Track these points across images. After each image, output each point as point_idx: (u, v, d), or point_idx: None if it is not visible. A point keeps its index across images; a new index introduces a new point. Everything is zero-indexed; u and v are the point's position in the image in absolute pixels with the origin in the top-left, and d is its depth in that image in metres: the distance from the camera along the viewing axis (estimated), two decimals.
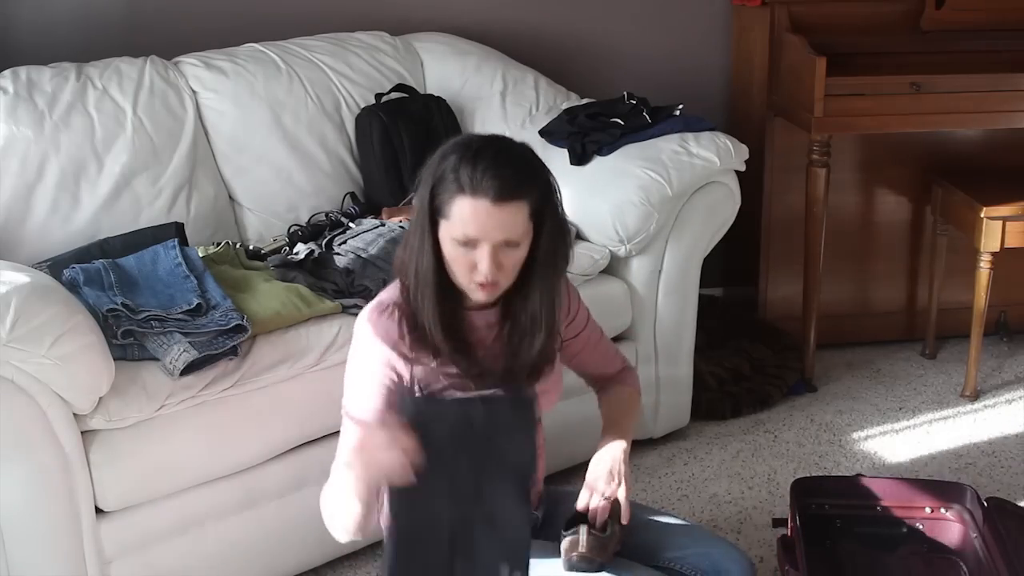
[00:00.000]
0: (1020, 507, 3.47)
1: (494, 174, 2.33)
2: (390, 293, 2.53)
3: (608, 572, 2.47)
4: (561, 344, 2.67)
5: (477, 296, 2.45)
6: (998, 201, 4.21)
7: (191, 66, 3.93)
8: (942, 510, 3.17)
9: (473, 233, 2.35)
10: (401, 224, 3.61)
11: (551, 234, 2.46)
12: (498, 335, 2.55)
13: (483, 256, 2.37)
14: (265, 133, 3.91)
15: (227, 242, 3.56)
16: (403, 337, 2.48)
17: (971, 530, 3.11)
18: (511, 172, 2.36)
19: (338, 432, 3.22)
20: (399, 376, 2.48)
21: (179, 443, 2.97)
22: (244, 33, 4.17)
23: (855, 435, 4.16)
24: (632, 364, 2.91)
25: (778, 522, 3.29)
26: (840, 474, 3.85)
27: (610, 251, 3.76)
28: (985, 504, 3.18)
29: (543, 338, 2.53)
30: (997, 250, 4.23)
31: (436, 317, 2.45)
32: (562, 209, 2.51)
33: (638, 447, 3.92)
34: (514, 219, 2.36)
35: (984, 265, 4.27)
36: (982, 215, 4.19)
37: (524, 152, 2.44)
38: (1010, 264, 4.45)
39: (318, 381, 3.15)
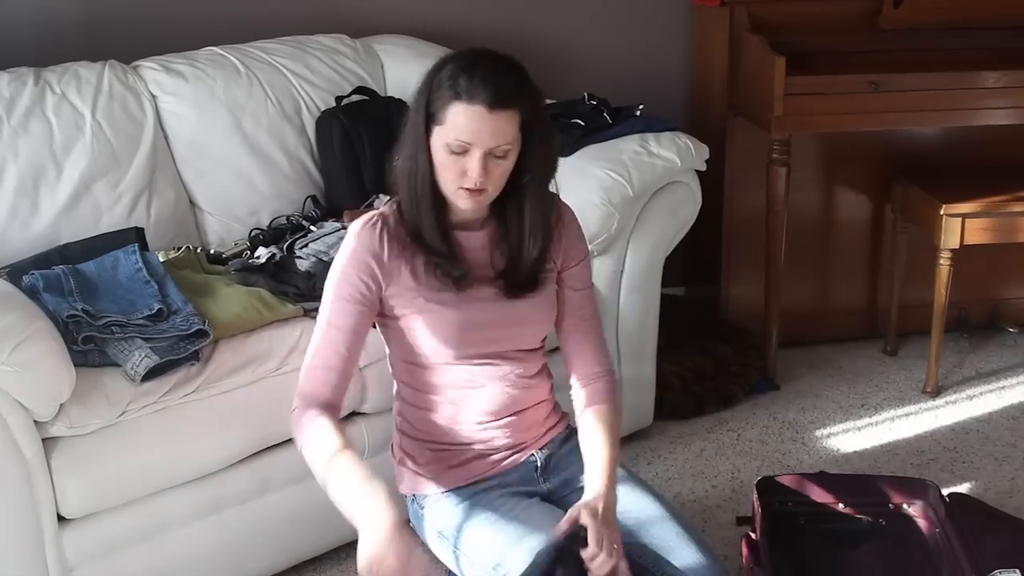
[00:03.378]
0: (982, 502, 3.49)
1: (491, 81, 2.41)
2: (377, 213, 2.59)
3: None
4: (556, 271, 2.70)
5: (462, 204, 2.51)
6: (957, 198, 4.24)
7: (150, 70, 3.90)
8: (905, 506, 3.19)
9: (466, 138, 2.42)
10: None
11: (540, 145, 2.54)
12: (492, 253, 2.62)
13: (473, 162, 2.44)
14: (225, 137, 3.89)
15: (188, 246, 3.55)
16: (382, 249, 2.54)
17: (934, 525, 3.13)
18: (506, 81, 2.43)
19: None
20: (371, 288, 2.55)
21: (141, 449, 2.95)
22: (203, 37, 4.15)
23: (818, 432, 4.17)
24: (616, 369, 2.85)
25: (742, 520, 3.30)
26: (803, 471, 3.86)
27: None
28: (947, 499, 3.20)
29: (540, 244, 2.60)
30: (957, 247, 4.25)
31: (433, 220, 2.54)
32: (549, 122, 2.61)
33: None
34: (506, 127, 2.43)
35: (944, 262, 4.30)
36: (942, 212, 4.21)
37: (517, 65, 2.51)
38: (970, 261, 4.48)
39: (281, 385, 3.13)
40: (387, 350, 2.70)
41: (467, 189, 2.47)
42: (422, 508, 2.64)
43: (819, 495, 3.20)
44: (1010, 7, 4.66)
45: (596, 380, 2.71)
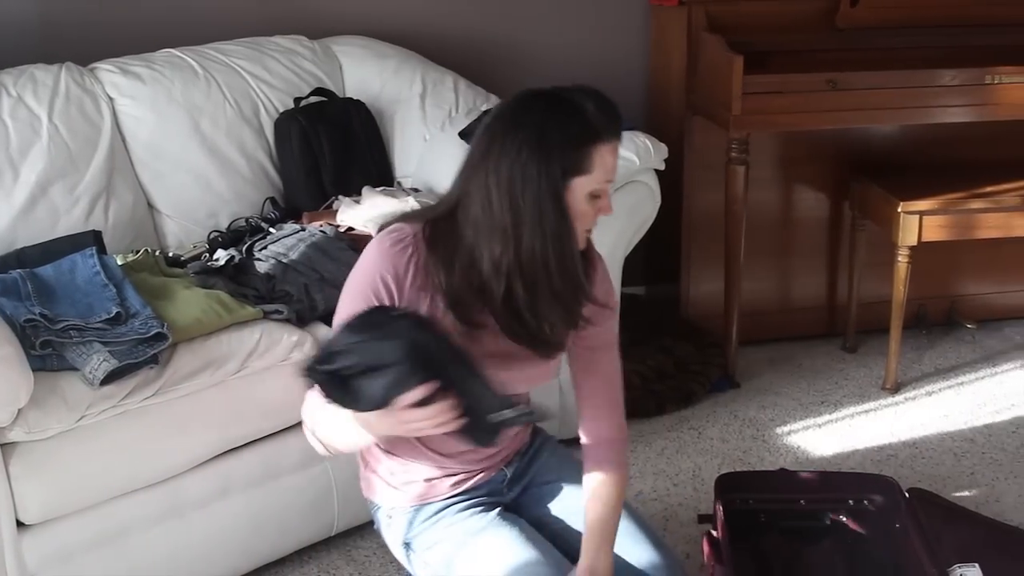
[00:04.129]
0: (940, 497, 3.52)
1: (615, 109, 2.32)
2: (409, 232, 2.39)
3: None
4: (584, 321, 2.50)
5: (579, 247, 2.38)
6: (915, 196, 4.26)
7: (107, 72, 3.89)
8: (864, 502, 3.21)
9: (611, 176, 2.33)
10: (322, 229, 3.60)
11: None
12: None
13: (607, 198, 2.36)
14: (183, 139, 3.88)
15: (146, 249, 3.53)
16: (406, 274, 2.36)
17: (894, 521, 3.15)
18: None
19: (264, 438, 3.23)
20: (388, 298, 2.36)
21: (101, 453, 2.93)
22: (161, 39, 4.13)
23: (778, 430, 4.19)
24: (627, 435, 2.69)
25: (703, 518, 3.31)
26: (764, 469, 3.88)
27: None
28: (906, 495, 3.22)
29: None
30: (915, 244, 4.28)
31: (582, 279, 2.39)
32: None
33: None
34: None
35: (902, 259, 4.32)
36: (899, 210, 4.24)
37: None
38: (927, 258, 4.50)
39: (240, 388, 3.13)
40: None
41: (590, 229, 2.39)
42: (389, 517, 2.62)
43: (780, 492, 3.21)
44: (965, 6, 4.69)
45: (609, 445, 2.59)
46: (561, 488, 2.70)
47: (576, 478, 2.62)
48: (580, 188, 2.29)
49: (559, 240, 2.30)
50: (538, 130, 2.26)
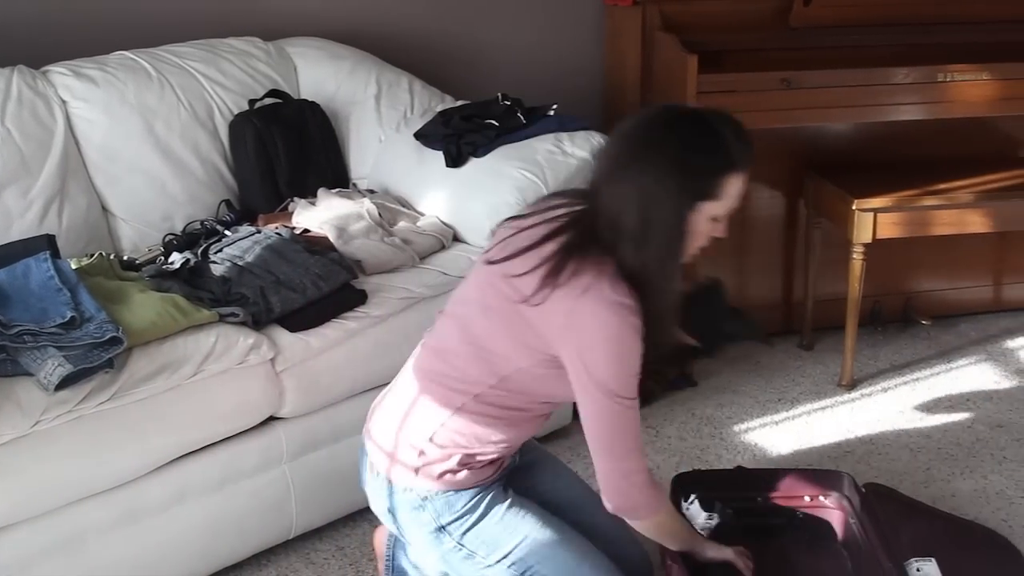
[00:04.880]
0: (897, 492, 3.53)
1: (750, 141, 2.45)
2: (627, 304, 2.45)
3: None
4: None
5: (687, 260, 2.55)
6: (869, 193, 4.28)
7: (60, 75, 3.86)
8: (821, 498, 3.22)
9: (737, 203, 2.47)
10: (277, 231, 3.59)
11: None
12: None
13: (724, 222, 2.51)
14: (137, 142, 3.87)
15: (100, 253, 3.51)
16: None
17: (850, 516, 3.16)
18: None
19: (221, 441, 3.21)
20: None
21: (56, 459, 2.91)
22: (114, 41, 4.11)
23: (736, 428, 4.20)
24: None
25: None
26: (722, 467, 3.89)
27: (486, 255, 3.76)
28: (862, 490, 3.24)
29: None
30: (869, 241, 4.30)
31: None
32: None
33: None
34: None
35: (857, 256, 4.34)
36: (854, 207, 4.25)
37: None
38: (883, 255, 4.52)
39: (197, 391, 3.12)
40: (503, 373, 2.59)
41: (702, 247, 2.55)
42: (424, 499, 2.66)
43: (736, 490, 3.22)
44: (917, 5, 4.73)
45: None
46: (535, 463, 2.92)
47: (538, 451, 2.94)
48: (706, 211, 2.45)
49: (673, 257, 2.49)
50: (681, 151, 2.40)
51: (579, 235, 2.50)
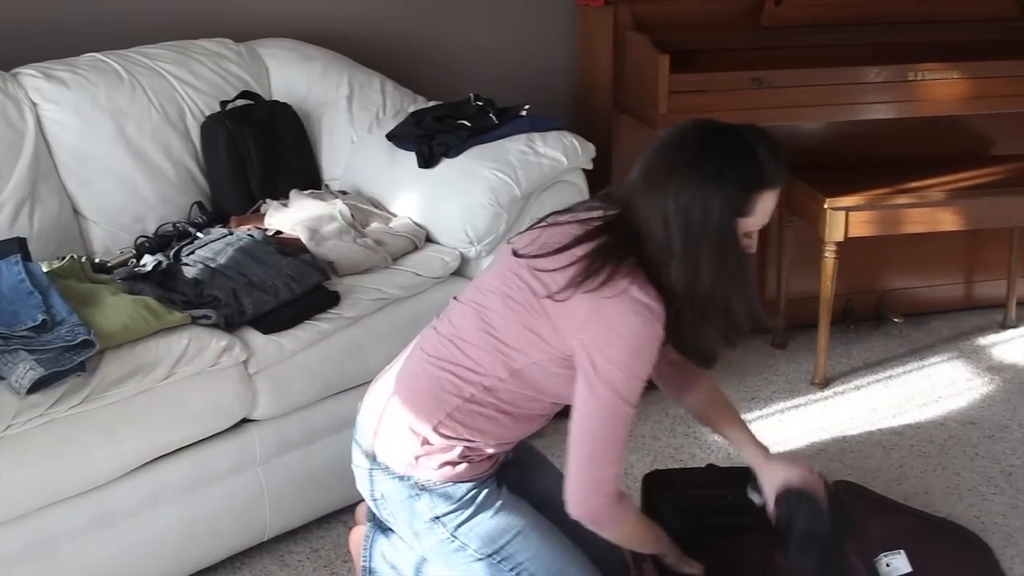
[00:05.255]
0: (866, 488, 3.54)
1: (782, 158, 2.48)
2: (652, 308, 2.47)
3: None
4: None
5: None
6: (841, 192, 4.29)
7: (30, 77, 3.85)
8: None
9: (767, 220, 2.51)
10: (249, 232, 3.58)
11: None
12: None
13: (756, 235, 2.54)
14: (108, 144, 3.85)
15: (72, 256, 3.49)
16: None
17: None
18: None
19: (194, 444, 3.21)
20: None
21: (29, 463, 2.90)
22: (84, 43, 4.09)
23: None
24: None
25: None
26: (696, 465, 3.90)
27: (460, 253, 3.77)
28: (832, 487, 3.25)
29: None
30: (841, 239, 4.31)
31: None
32: None
33: None
34: None
35: (829, 255, 4.35)
36: (826, 206, 4.27)
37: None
38: (855, 253, 4.54)
39: (169, 394, 3.11)
40: (515, 367, 2.59)
41: None
42: (422, 489, 2.67)
43: (707, 488, 3.22)
44: (888, 4, 4.76)
45: (698, 372, 3.03)
46: (526, 460, 2.94)
47: (529, 448, 2.96)
48: (740, 228, 2.47)
49: (742, 273, 2.53)
50: (719, 167, 2.43)
51: (614, 241, 2.51)
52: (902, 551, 3.05)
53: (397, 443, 2.69)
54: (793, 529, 2.83)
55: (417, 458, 2.66)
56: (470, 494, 2.68)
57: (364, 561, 3.04)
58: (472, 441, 2.64)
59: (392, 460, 2.69)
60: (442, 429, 2.63)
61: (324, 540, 3.54)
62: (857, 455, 4.01)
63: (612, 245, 2.50)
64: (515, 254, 2.63)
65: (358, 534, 3.07)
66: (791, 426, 4.22)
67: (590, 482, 2.55)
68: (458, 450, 2.64)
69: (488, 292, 2.66)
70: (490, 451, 2.69)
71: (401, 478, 2.69)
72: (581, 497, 2.55)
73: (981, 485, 3.82)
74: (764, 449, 2.96)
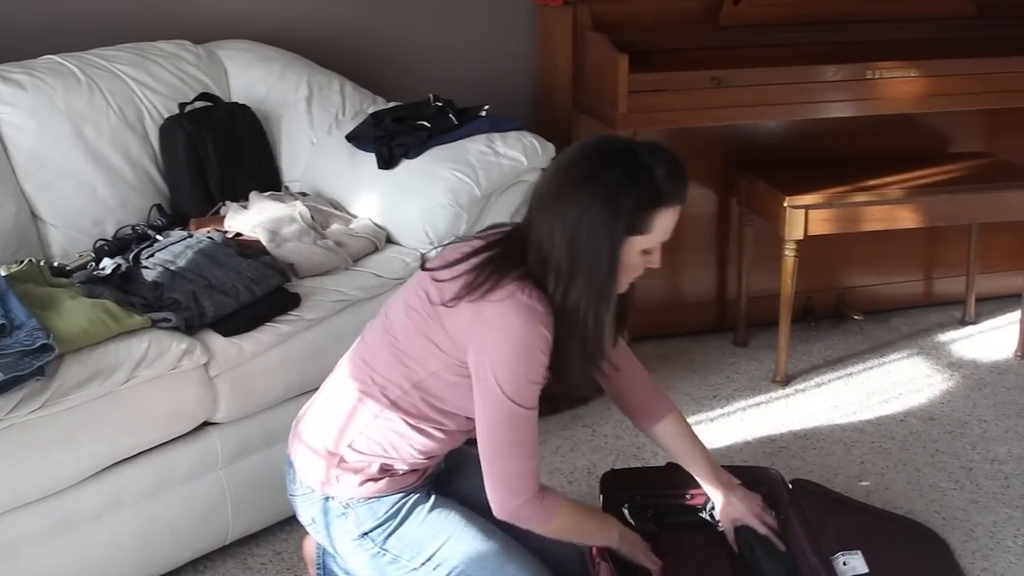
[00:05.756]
0: (824, 487, 3.57)
1: (683, 176, 2.50)
2: (537, 310, 2.49)
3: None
4: None
5: (622, 290, 2.59)
6: (800, 190, 4.31)
7: None
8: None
9: (667, 237, 2.53)
10: (209, 235, 3.57)
11: None
12: None
13: (658, 254, 2.57)
14: (66, 147, 3.83)
15: (30, 259, 3.47)
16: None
17: (777, 512, 3.18)
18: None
19: (155, 448, 3.19)
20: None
21: None
22: (41, 45, 4.07)
23: None
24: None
25: None
26: (657, 464, 3.90)
27: (421, 254, 3.77)
28: (790, 486, 3.26)
29: None
30: (801, 238, 4.33)
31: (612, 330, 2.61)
32: None
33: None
34: None
35: (789, 253, 4.37)
36: (785, 204, 4.28)
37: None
38: (814, 251, 4.56)
39: (130, 398, 3.09)
40: (416, 378, 2.62)
41: (636, 278, 2.60)
42: (346, 507, 2.69)
43: (667, 487, 3.23)
44: (846, 3, 4.78)
45: (659, 397, 3.10)
46: (460, 466, 2.91)
47: (463, 454, 2.89)
48: (636, 245, 2.49)
49: (603, 298, 2.50)
50: (612, 187, 2.44)
51: (505, 252, 2.56)
52: (859, 552, 3.07)
53: (316, 463, 2.72)
54: (750, 563, 2.95)
55: (338, 477, 2.68)
56: (395, 507, 2.70)
57: (319, 567, 3.04)
58: (387, 456, 2.67)
59: (313, 480, 2.72)
60: (357, 446, 2.67)
61: (287, 543, 3.53)
62: (818, 452, 4.03)
63: (501, 256, 2.55)
64: (422, 268, 2.69)
65: (312, 540, 3.06)
66: (752, 424, 4.23)
67: (503, 485, 2.56)
68: (376, 466, 2.67)
69: (395, 305, 2.71)
70: (408, 467, 2.71)
71: (326, 499, 2.71)
72: (500, 500, 2.57)
73: (942, 481, 3.84)
74: (726, 483, 3.03)
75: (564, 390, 2.65)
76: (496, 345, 2.47)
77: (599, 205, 2.43)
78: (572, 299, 2.48)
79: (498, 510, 2.59)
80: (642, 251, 2.52)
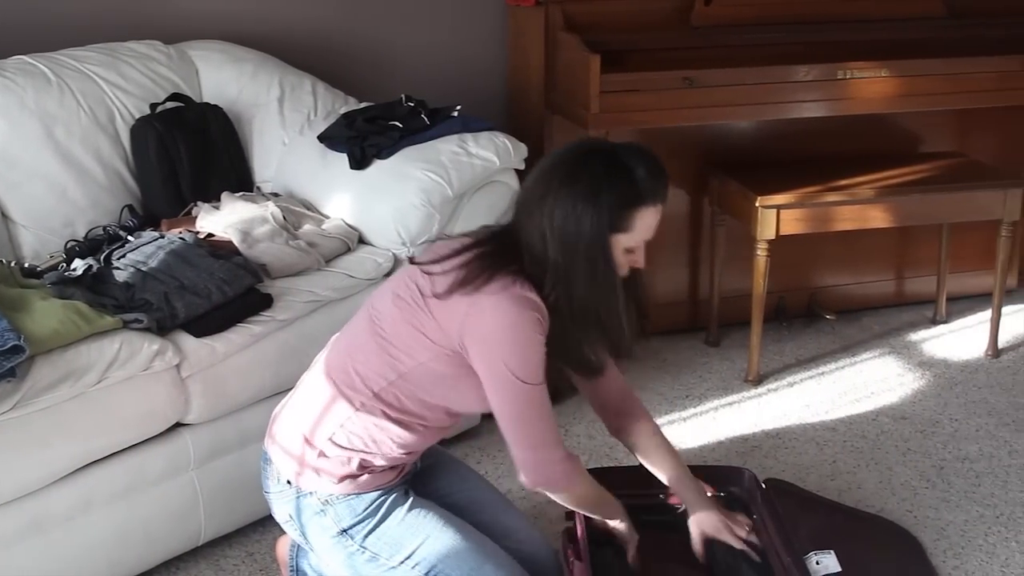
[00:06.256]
0: (796, 486, 3.58)
1: (665, 174, 2.57)
2: (528, 298, 2.56)
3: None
4: None
5: None
6: (772, 190, 4.33)
7: None
8: (722, 494, 3.24)
9: (650, 235, 2.60)
10: (181, 236, 3.56)
11: None
12: None
13: (642, 252, 2.64)
14: (37, 148, 3.82)
15: (1, 260, 3.47)
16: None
17: (751, 512, 3.19)
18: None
19: (127, 449, 3.18)
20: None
21: None
22: (11, 45, 4.06)
23: None
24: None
25: (571, 515, 3.32)
26: (629, 464, 3.90)
27: (393, 254, 3.77)
28: (763, 486, 3.27)
29: None
30: (773, 238, 4.34)
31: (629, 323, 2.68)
32: None
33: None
34: None
35: (761, 253, 4.38)
36: (757, 204, 4.30)
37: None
38: (786, 251, 4.57)
39: (102, 399, 3.08)
40: (402, 369, 2.65)
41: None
42: (326, 504, 2.71)
43: (639, 487, 3.23)
44: (817, 3, 4.80)
45: (635, 404, 3.17)
46: (438, 467, 2.98)
47: (441, 455, 3.01)
48: (619, 243, 2.57)
49: (610, 286, 2.59)
50: (594, 187, 2.52)
51: (497, 249, 2.61)
52: (832, 551, 3.08)
53: (295, 457, 2.73)
54: (725, 562, 2.99)
55: (318, 471, 2.69)
56: (374, 504, 2.71)
57: (291, 568, 3.04)
58: (367, 451, 2.68)
59: (297, 478, 2.73)
60: (338, 439, 2.68)
61: (259, 544, 3.52)
62: (791, 451, 4.04)
63: (494, 253, 2.61)
64: (411, 262, 2.75)
65: (285, 541, 3.07)
66: (725, 423, 4.24)
67: (536, 460, 2.64)
68: (356, 462, 2.68)
69: (382, 297, 2.74)
70: (390, 463, 2.72)
71: (304, 495, 2.72)
72: (531, 468, 2.64)
73: (913, 480, 3.86)
74: (698, 493, 3.06)
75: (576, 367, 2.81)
76: (499, 338, 2.54)
77: (582, 204, 2.50)
78: (579, 297, 2.57)
79: (531, 481, 2.65)
80: (625, 250, 2.58)
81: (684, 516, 3.10)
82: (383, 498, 2.71)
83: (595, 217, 2.51)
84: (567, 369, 2.79)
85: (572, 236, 2.52)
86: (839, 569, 3.06)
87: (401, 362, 2.63)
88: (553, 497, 2.76)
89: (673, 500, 3.18)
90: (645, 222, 2.57)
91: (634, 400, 3.10)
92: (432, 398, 2.66)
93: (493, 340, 2.54)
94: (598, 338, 2.69)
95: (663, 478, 3.06)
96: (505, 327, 2.53)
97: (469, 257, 2.60)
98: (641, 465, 3.19)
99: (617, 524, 2.92)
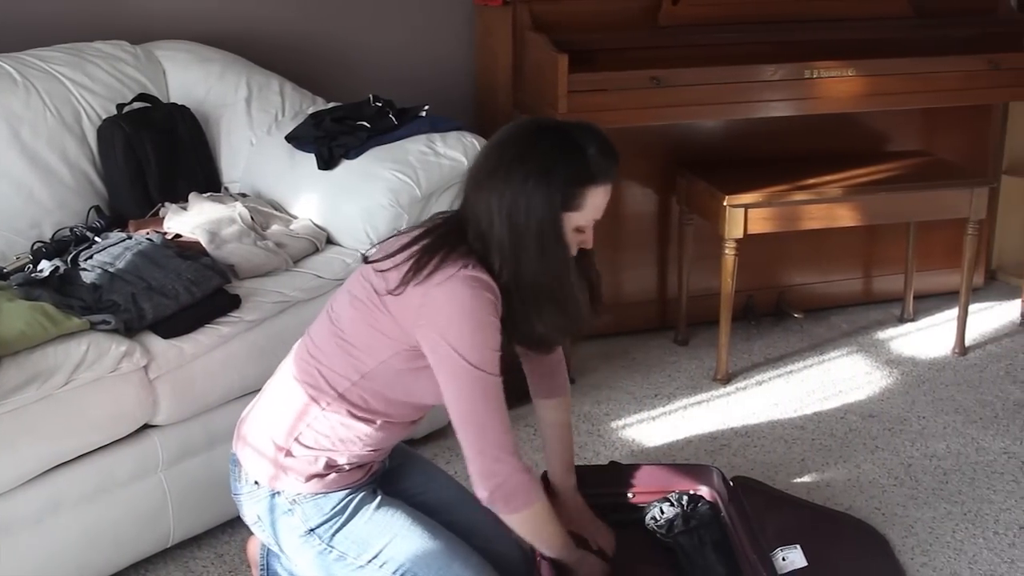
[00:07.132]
0: (764, 484, 3.60)
1: (614, 155, 2.55)
2: (480, 279, 2.54)
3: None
4: None
5: None
6: (739, 189, 4.34)
7: None
8: (690, 492, 3.25)
9: (600, 214, 2.60)
10: (148, 236, 3.55)
11: None
12: None
13: (591, 232, 2.64)
14: (3, 148, 3.79)
15: None
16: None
17: (719, 510, 3.20)
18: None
19: (95, 451, 3.16)
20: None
21: None
22: None
23: (613, 424, 4.23)
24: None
25: None
26: (599, 463, 3.91)
27: (361, 254, 3.74)
28: (730, 484, 3.28)
29: None
30: (741, 236, 4.35)
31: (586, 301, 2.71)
32: None
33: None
34: None
35: (729, 252, 4.39)
36: (725, 203, 4.31)
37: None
38: (754, 250, 4.58)
39: (69, 401, 3.06)
40: (364, 369, 2.65)
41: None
42: (293, 503, 2.70)
43: (608, 486, 3.24)
44: (784, 3, 4.82)
45: (559, 369, 3.10)
46: (405, 466, 2.98)
47: (409, 455, 3.02)
48: (569, 222, 2.56)
49: (561, 263, 2.59)
50: (545, 164, 2.51)
51: (444, 235, 2.60)
52: (798, 546, 3.10)
53: (263, 457, 2.72)
54: (689, 560, 3.05)
55: (285, 470, 2.69)
56: (342, 503, 2.71)
57: (262, 568, 3.03)
58: (334, 450, 2.68)
59: (265, 478, 2.72)
60: (304, 440, 2.68)
61: (229, 545, 3.51)
62: (759, 450, 4.05)
63: (443, 236, 2.60)
64: (364, 261, 2.73)
65: (256, 541, 3.06)
66: (694, 422, 4.25)
67: (487, 458, 2.56)
68: (322, 461, 2.68)
69: (339, 298, 2.75)
70: (357, 462, 2.73)
71: (272, 495, 2.72)
72: (486, 472, 2.56)
73: (881, 477, 3.87)
74: (569, 488, 3.11)
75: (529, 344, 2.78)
76: (450, 321, 2.51)
77: (533, 181, 2.50)
78: (529, 273, 2.55)
79: (484, 485, 2.57)
80: (575, 229, 2.58)
81: (653, 523, 3.12)
82: (350, 497, 2.71)
83: (546, 194, 2.50)
84: (519, 347, 2.79)
85: (522, 213, 2.51)
86: (805, 564, 3.08)
87: (363, 362, 2.63)
88: (508, 521, 2.67)
89: (639, 499, 3.19)
90: (595, 201, 2.56)
91: (563, 373, 3.07)
92: (397, 394, 2.66)
93: (447, 327, 2.52)
94: (553, 316, 2.64)
95: (548, 456, 3.12)
96: (461, 312, 2.51)
97: (417, 248, 2.59)
98: (610, 463, 3.20)
99: (572, 564, 2.84)
